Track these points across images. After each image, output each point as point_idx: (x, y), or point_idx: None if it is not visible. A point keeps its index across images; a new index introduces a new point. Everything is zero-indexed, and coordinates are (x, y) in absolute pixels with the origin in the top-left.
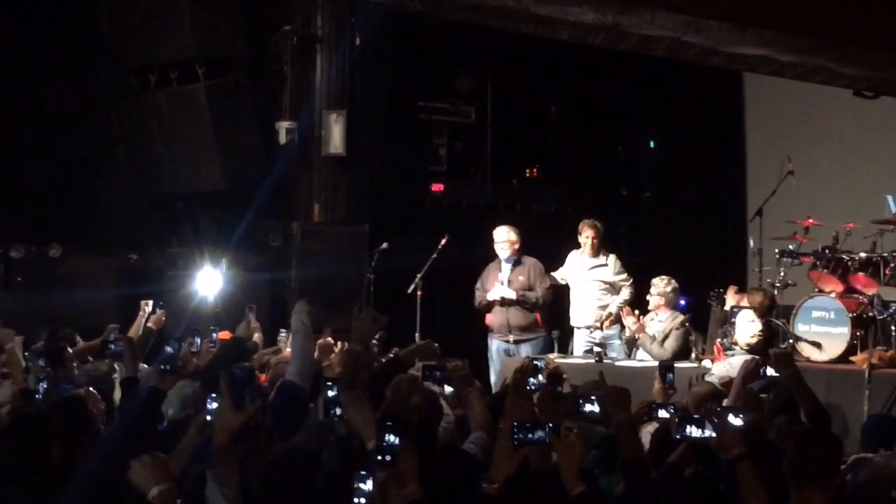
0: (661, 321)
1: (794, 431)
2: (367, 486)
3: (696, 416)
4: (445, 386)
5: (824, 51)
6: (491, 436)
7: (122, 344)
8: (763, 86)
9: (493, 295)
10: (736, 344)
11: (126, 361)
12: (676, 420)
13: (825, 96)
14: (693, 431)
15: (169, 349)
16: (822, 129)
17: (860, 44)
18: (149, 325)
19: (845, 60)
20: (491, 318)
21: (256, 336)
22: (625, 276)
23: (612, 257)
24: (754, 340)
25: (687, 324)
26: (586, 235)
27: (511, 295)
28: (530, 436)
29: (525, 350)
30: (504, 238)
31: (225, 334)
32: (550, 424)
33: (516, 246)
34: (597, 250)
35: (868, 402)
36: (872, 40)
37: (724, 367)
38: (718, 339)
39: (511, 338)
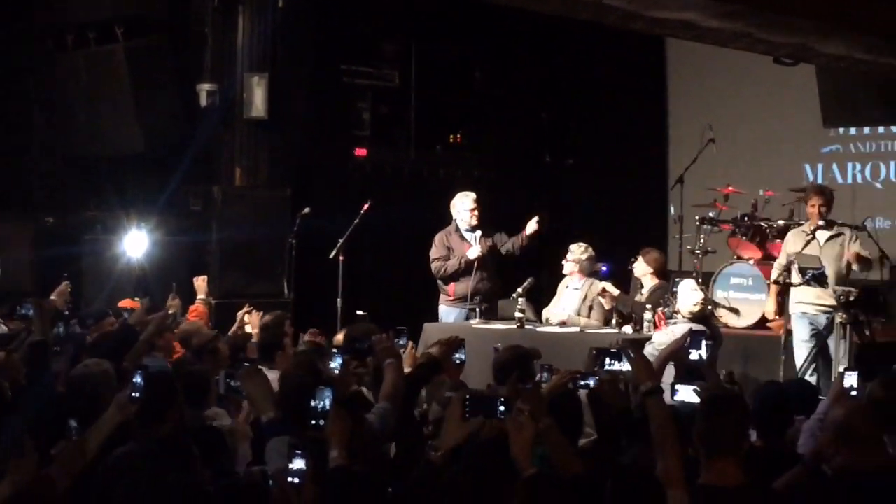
0: (577, 288)
1: (701, 400)
2: (299, 464)
3: (612, 350)
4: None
5: (745, 16)
6: (396, 407)
7: (31, 306)
8: (685, 53)
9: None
10: (678, 313)
11: (35, 324)
12: (593, 352)
13: (747, 65)
14: (610, 364)
15: (23, 311)
16: (742, 97)
17: (780, 10)
18: (52, 297)
19: (765, 26)
20: (458, 287)
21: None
22: None
23: None
24: (696, 308)
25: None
26: (811, 203)
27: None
28: (481, 408)
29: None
30: (472, 205)
31: (126, 302)
32: (503, 399)
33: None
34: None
35: (783, 368)
36: (792, 6)
37: (667, 335)
38: (661, 308)
39: (482, 306)
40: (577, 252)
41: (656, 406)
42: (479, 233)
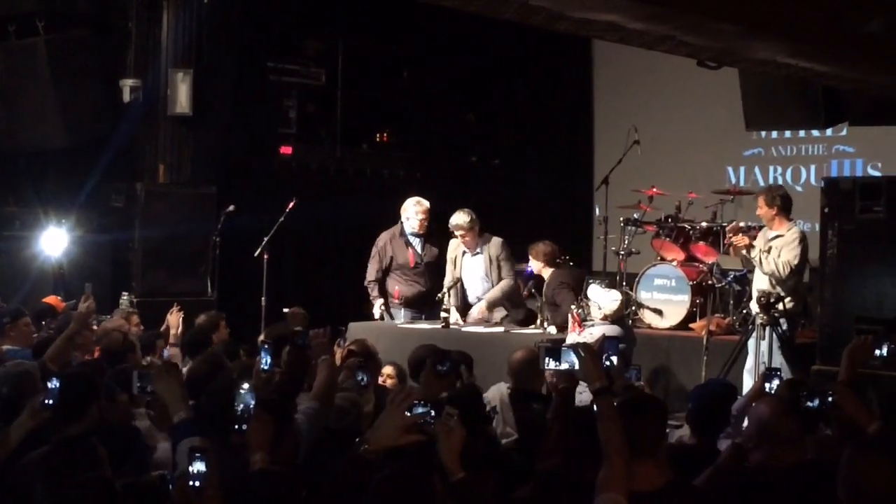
0: (478, 252)
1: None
2: (199, 467)
3: (563, 347)
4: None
5: (669, 19)
6: (326, 407)
7: None
8: (611, 55)
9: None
10: (606, 318)
11: None
12: (543, 350)
13: (672, 67)
14: (558, 363)
15: None
16: (667, 100)
17: (704, 13)
18: None
19: (689, 29)
20: (403, 290)
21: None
22: None
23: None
24: (614, 307)
25: (533, 290)
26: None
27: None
28: (415, 411)
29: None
30: (423, 216)
31: (52, 299)
32: (431, 404)
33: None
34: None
35: (705, 368)
36: (716, 10)
37: (585, 337)
38: (575, 310)
39: (424, 310)
40: (465, 220)
41: (605, 405)
42: (418, 246)
